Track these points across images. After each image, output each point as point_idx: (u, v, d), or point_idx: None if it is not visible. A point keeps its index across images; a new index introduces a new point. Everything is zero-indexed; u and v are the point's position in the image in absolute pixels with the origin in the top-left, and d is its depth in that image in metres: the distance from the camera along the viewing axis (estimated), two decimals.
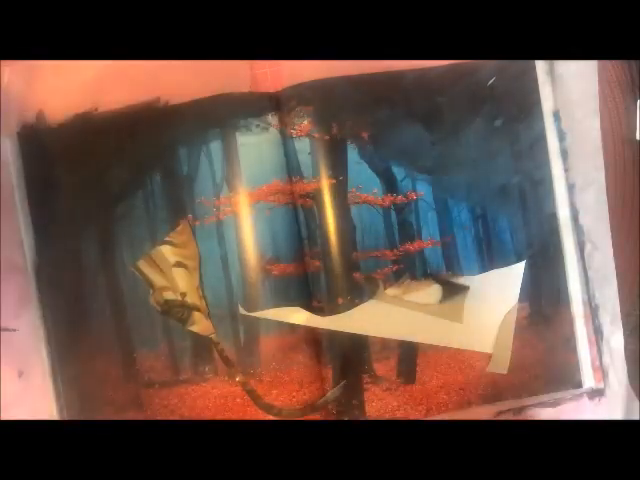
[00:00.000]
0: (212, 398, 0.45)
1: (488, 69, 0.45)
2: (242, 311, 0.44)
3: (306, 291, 0.44)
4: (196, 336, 0.44)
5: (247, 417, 0.44)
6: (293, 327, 0.44)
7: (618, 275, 0.45)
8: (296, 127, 0.44)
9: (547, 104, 0.45)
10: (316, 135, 0.44)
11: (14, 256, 0.45)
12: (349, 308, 0.44)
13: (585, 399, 0.45)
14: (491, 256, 0.45)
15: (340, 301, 0.44)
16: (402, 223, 0.45)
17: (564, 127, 0.45)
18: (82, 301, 0.44)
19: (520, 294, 0.45)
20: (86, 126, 0.45)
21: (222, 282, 0.44)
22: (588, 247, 0.45)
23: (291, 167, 0.44)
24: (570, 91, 0.45)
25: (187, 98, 0.44)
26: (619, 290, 0.45)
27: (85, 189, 0.45)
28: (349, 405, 0.44)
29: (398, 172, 0.45)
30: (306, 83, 0.44)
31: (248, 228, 0.44)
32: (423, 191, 0.45)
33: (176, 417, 0.44)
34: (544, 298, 0.45)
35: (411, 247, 0.45)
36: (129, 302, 0.44)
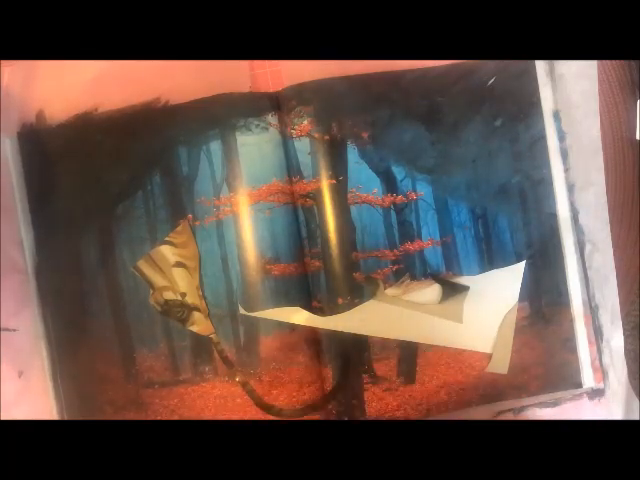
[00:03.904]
0: (212, 398, 0.45)
1: (488, 69, 0.45)
2: (242, 311, 0.44)
3: (306, 291, 0.44)
4: (196, 336, 0.44)
5: (247, 417, 0.44)
6: (293, 327, 0.44)
7: (618, 275, 0.45)
8: (296, 127, 0.44)
9: (547, 104, 0.45)
10: (316, 135, 0.44)
11: (14, 256, 0.45)
12: (349, 308, 0.44)
13: (585, 399, 0.46)
14: (491, 256, 0.45)
15: (340, 301, 0.44)
16: (402, 223, 0.45)
17: (564, 127, 0.45)
18: (82, 301, 0.45)
19: (520, 294, 0.45)
20: (86, 126, 0.45)
21: (222, 282, 0.44)
22: (588, 247, 0.45)
23: (291, 167, 0.44)
24: (570, 91, 0.45)
25: (187, 98, 0.44)
26: (619, 290, 0.45)
27: (85, 189, 0.45)
28: (349, 405, 0.44)
29: (398, 172, 0.45)
30: (306, 83, 0.44)
31: (248, 228, 0.44)
32: (423, 191, 0.45)
33: (176, 417, 0.44)
34: (544, 298, 0.45)
35: (411, 247, 0.45)
36: (129, 302, 0.44)
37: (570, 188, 0.45)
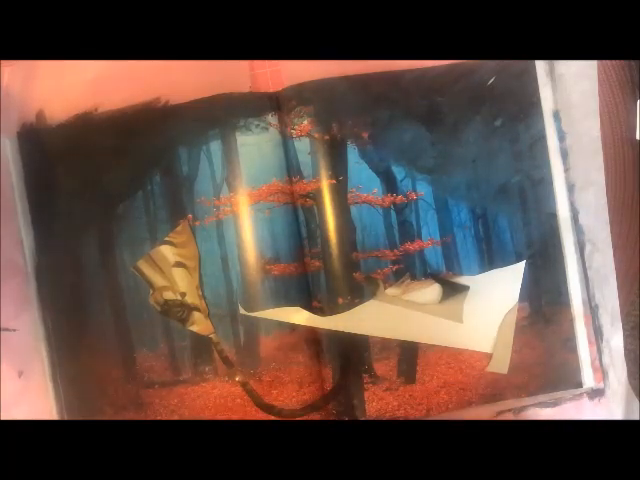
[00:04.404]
0: (212, 398, 0.45)
1: (488, 69, 0.45)
2: (242, 311, 0.44)
3: (306, 291, 0.44)
4: (196, 336, 0.44)
5: (247, 417, 0.44)
6: (293, 327, 0.44)
7: (618, 275, 0.45)
8: (296, 127, 0.44)
9: (547, 104, 0.45)
10: (316, 135, 0.44)
11: (14, 256, 0.45)
12: (349, 308, 0.44)
13: (585, 399, 0.46)
14: (491, 256, 0.45)
15: (340, 301, 0.44)
16: (402, 223, 0.45)
17: (564, 127, 0.45)
18: (82, 301, 0.45)
19: (520, 294, 0.45)
20: (86, 126, 0.45)
21: (222, 282, 0.44)
22: (588, 247, 0.45)
23: (291, 167, 0.44)
24: (570, 91, 0.45)
25: (187, 98, 0.44)
26: (619, 290, 0.45)
27: (85, 189, 0.45)
28: (349, 405, 0.44)
29: (398, 172, 0.45)
30: (306, 83, 0.44)
31: (248, 228, 0.44)
32: (423, 191, 0.45)
33: (176, 417, 0.44)
34: (544, 298, 0.45)
35: (411, 247, 0.45)
36: (129, 302, 0.44)
37: (570, 188, 0.45)
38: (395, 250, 0.45)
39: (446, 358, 0.45)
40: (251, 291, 0.44)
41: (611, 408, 0.46)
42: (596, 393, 0.46)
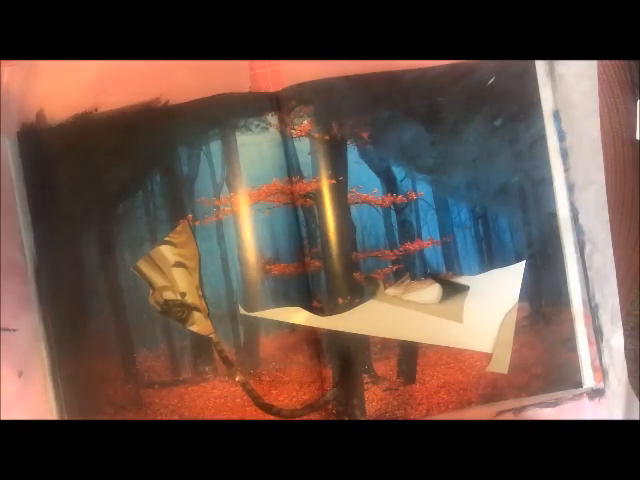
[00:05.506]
0: (212, 398, 0.45)
1: (488, 69, 0.45)
2: (242, 311, 0.44)
3: (306, 291, 0.44)
4: (196, 336, 0.44)
5: (247, 417, 0.44)
6: (293, 327, 0.44)
7: (618, 275, 0.45)
8: (296, 127, 0.44)
9: (547, 104, 0.45)
10: (316, 135, 0.44)
11: (14, 256, 0.45)
12: (349, 308, 0.44)
13: (585, 399, 0.46)
14: (491, 256, 0.45)
15: (340, 301, 0.44)
16: (402, 223, 0.45)
17: (564, 127, 0.45)
18: (82, 301, 0.44)
19: (520, 294, 0.45)
20: (86, 126, 0.45)
21: (222, 282, 0.44)
22: (588, 247, 0.45)
23: (291, 167, 0.44)
24: (570, 91, 0.45)
25: (187, 98, 0.44)
26: (619, 290, 0.45)
27: (85, 189, 0.45)
28: (349, 405, 0.44)
29: (398, 172, 0.45)
30: (306, 83, 0.44)
31: (248, 228, 0.44)
32: (423, 191, 0.45)
33: (176, 417, 0.44)
34: (544, 298, 0.45)
35: (411, 247, 0.45)
36: (129, 302, 0.44)
37: (570, 188, 0.45)
38: (395, 250, 0.45)
39: (446, 358, 0.45)
40: (251, 291, 0.44)
41: (611, 408, 0.46)
42: (596, 393, 0.46)
